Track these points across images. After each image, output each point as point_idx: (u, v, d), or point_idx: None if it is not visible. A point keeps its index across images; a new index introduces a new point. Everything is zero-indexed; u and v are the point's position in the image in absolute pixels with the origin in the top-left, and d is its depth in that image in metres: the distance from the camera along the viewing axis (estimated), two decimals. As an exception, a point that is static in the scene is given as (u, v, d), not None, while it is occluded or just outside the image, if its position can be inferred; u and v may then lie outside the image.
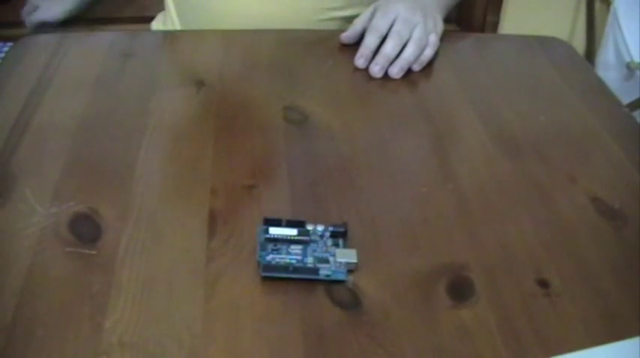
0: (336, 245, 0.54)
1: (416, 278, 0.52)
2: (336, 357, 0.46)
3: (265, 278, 0.51)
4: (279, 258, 0.52)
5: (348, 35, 0.81)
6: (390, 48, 0.77)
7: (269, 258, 0.52)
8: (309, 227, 0.55)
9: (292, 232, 0.54)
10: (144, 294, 0.49)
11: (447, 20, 0.86)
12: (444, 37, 0.82)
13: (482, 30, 1.96)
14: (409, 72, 0.79)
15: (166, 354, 0.45)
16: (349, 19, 0.85)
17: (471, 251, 0.54)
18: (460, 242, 0.55)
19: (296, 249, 0.53)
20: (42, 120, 0.67)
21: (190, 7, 0.92)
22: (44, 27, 1.04)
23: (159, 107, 0.70)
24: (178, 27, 0.96)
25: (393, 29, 0.78)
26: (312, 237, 0.54)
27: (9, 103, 0.69)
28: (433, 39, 0.80)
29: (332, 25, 0.90)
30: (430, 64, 0.82)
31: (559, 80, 0.79)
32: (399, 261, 0.53)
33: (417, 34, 0.79)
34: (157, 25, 1.01)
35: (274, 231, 0.54)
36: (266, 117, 0.70)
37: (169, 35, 0.89)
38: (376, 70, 0.77)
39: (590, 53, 1.81)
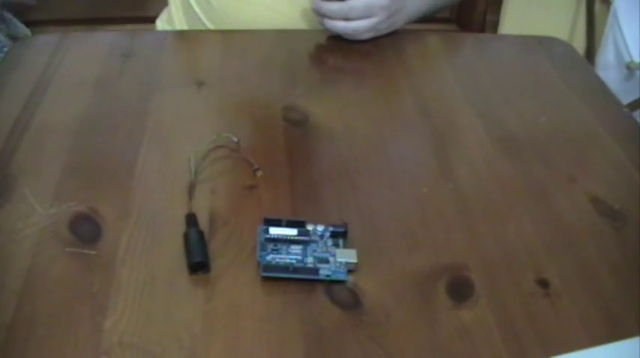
0: (336, 245, 0.54)
1: (416, 278, 0.52)
2: (336, 357, 0.46)
3: (265, 278, 0.51)
4: (279, 258, 0.52)
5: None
6: (330, 6, 0.78)
7: (269, 258, 0.52)
8: (309, 227, 0.55)
9: (292, 232, 0.54)
10: (144, 294, 0.49)
11: (447, 20, 0.87)
12: (444, 38, 0.82)
13: (482, 30, 1.97)
14: (409, 72, 0.79)
15: (166, 354, 0.45)
16: None
17: (471, 251, 0.54)
18: (460, 242, 0.55)
19: (296, 249, 0.53)
20: (42, 120, 0.67)
21: (220, 15, 0.91)
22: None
23: (159, 107, 0.70)
24: (182, 26, 0.95)
25: (352, 3, 0.79)
26: (312, 237, 0.54)
27: (9, 103, 0.69)
28: (361, 34, 0.81)
29: None
30: (430, 63, 0.82)
31: (559, 80, 0.79)
32: (399, 261, 0.53)
33: (359, 24, 0.80)
34: (161, 24, 1.01)
35: (274, 231, 0.54)
36: (266, 117, 0.70)
37: (169, 35, 0.89)
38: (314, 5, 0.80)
39: (590, 53, 1.81)
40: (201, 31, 0.92)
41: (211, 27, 0.91)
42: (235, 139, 0.64)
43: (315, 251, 0.53)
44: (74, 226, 0.54)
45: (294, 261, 0.52)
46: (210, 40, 0.84)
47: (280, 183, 0.60)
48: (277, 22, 0.87)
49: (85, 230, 0.54)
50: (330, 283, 0.51)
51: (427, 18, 0.90)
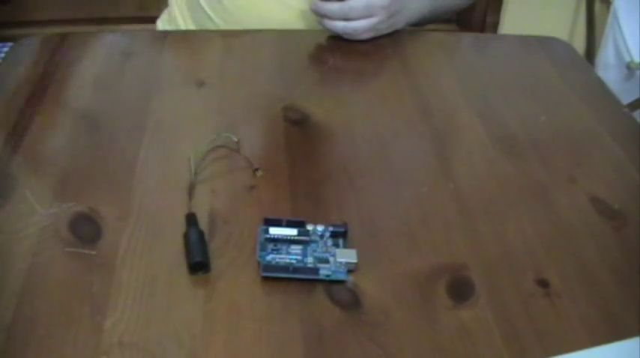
0: (336, 245, 0.54)
1: (416, 278, 0.52)
2: (336, 357, 0.46)
3: (265, 278, 0.51)
4: (279, 258, 0.52)
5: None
6: (330, 6, 0.79)
7: (269, 258, 0.52)
8: (309, 227, 0.55)
9: (292, 232, 0.54)
10: (144, 294, 0.49)
11: (447, 20, 0.87)
12: (444, 37, 0.82)
13: (482, 30, 1.97)
14: (409, 72, 0.79)
15: (166, 354, 0.45)
16: None
17: (471, 251, 0.54)
18: (460, 242, 0.55)
19: (296, 249, 0.53)
20: (42, 120, 0.67)
21: (232, 12, 0.91)
22: None
23: (159, 106, 0.70)
24: (187, 26, 0.95)
25: (352, 3, 0.79)
26: (312, 237, 0.54)
27: (9, 103, 0.69)
28: (361, 34, 0.81)
29: None
30: (430, 63, 0.82)
31: (559, 80, 0.79)
32: (399, 261, 0.53)
33: (359, 24, 0.80)
34: (162, 24, 1.01)
35: (274, 231, 0.54)
36: (266, 117, 0.70)
37: (169, 35, 0.89)
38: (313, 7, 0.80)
39: (590, 53, 1.81)
40: (201, 31, 0.92)
41: (221, 24, 0.91)
42: (235, 139, 0.64)
43: (315, 251, 0.53)
44: (74, 226, 0.54)
45: (294, 261, 0.52)
46: (211, 40, 0.84)
47: (280, 183, 0.60)
48: (288, 18, 0.87)
49: (85, 230, 0.54)
50: (330, 283, 0.51)
51: (429, 22, 0.90)
